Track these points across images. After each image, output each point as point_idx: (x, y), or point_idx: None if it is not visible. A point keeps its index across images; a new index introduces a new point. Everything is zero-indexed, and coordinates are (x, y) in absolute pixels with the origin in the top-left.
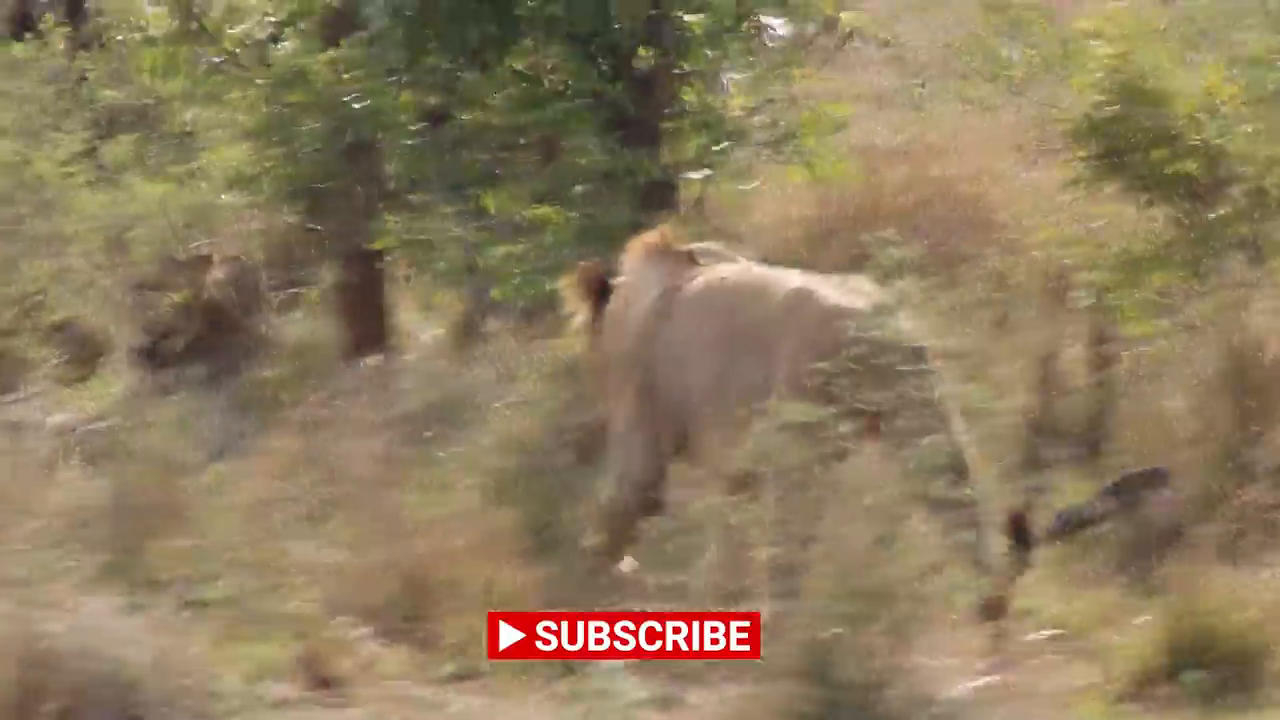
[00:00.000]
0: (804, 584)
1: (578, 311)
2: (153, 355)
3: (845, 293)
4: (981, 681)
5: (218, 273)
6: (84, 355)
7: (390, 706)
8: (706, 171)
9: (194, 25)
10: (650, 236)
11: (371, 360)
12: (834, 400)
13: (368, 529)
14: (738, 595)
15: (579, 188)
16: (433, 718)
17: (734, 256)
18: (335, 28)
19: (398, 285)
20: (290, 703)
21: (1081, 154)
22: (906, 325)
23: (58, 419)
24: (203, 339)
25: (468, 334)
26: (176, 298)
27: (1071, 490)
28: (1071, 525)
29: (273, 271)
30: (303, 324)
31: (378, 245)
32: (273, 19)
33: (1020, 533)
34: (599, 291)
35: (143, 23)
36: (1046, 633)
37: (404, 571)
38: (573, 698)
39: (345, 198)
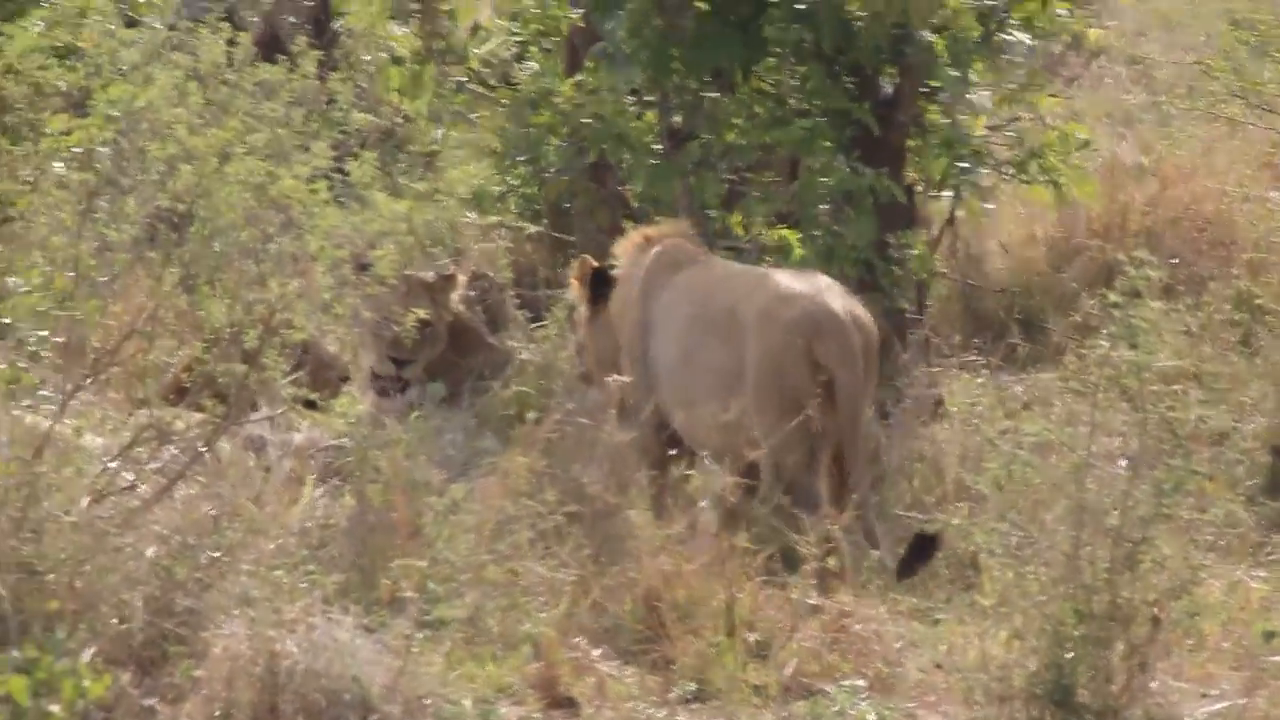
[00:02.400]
0: (1042, 605)
1: (578, 303)
2: (396, 374)
3: (801, 279)
4: (1223, 705)
5: (463, 291)
6: (326, 374)
7: None
8: (949, 192)
9: (439, 45)
10: (643, 231)
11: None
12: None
13: (604, 549)
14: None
15: (821, 207)
16: None
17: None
18: (579, 47)
19: None
20: None
21: None
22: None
23: (299, 438)
24: (446, 357)
25: None
26: (421, 316)
27: None
28: None
29: (518, 290)
30: (546, 343)
31: None
32: (517, 38)
33: (921, 550)
34: (595, 283)
35: (389, 43)
36: None
37: (639, 592)
38: (810, 719)
39: (589, 217)
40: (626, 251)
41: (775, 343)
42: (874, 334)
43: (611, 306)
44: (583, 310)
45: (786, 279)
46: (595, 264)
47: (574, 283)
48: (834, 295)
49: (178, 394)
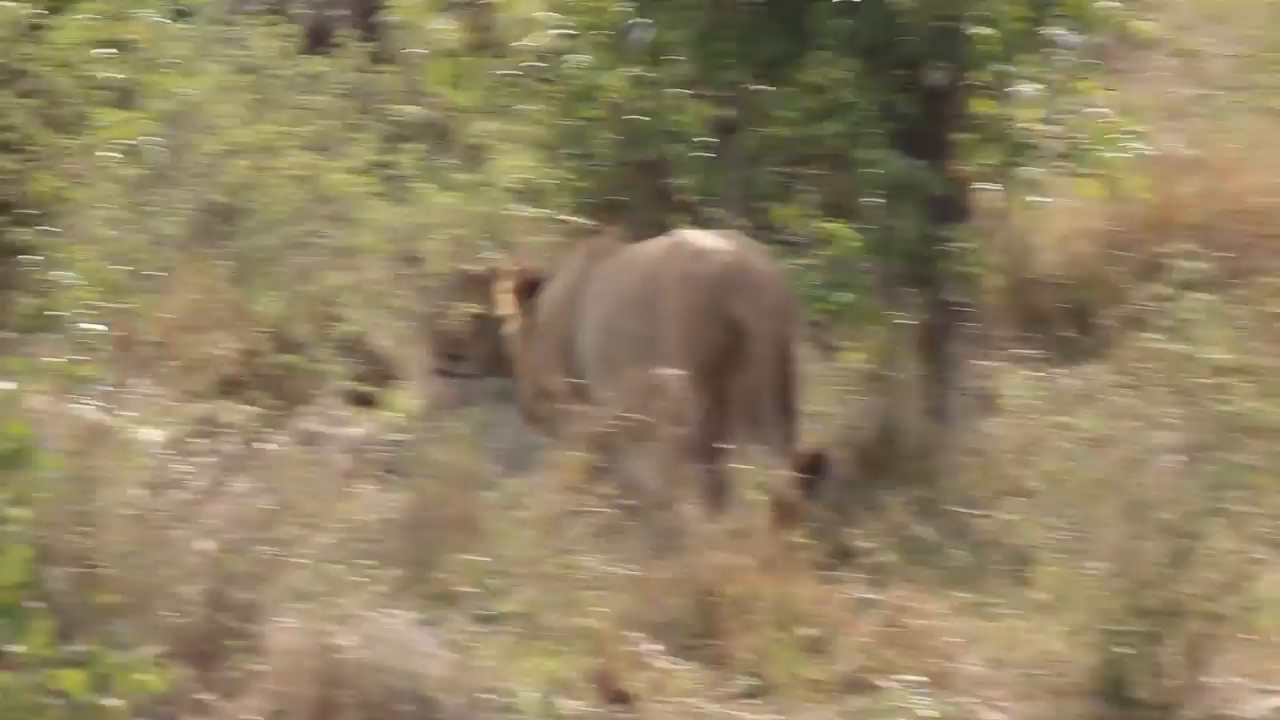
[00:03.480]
0: (1096, 600)
1: (513, 312)
2: (447, 369)
3: (717, 238)
4: None
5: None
6: (377, 368)
7: None
8: (996, 185)
9: (487, 37)
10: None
11: (670, 372)
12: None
13: (660, 544)
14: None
15: (868, 200)
16: None
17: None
18: (627, 40)
19: None
20: (584, 718)
21: None
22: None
23: (351, 433)
24: (498, 351)
25: None
26: (470, 310)
27: None
28: None
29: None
30: None
31: None
32: (566, 30)
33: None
34: (530, 291)
35: (435, 35)
36: None
37: (695, 587)
38: (866, 714)
39: (636, 210)
40: (558, 256)
41: (691, 301)
42: (787, 290)
43: (540, 313)
44: (516, 321)
45: (698, 238)
46: (532, 274)
47: (510, 294)
48: (748, 252)
49: (231, 387)
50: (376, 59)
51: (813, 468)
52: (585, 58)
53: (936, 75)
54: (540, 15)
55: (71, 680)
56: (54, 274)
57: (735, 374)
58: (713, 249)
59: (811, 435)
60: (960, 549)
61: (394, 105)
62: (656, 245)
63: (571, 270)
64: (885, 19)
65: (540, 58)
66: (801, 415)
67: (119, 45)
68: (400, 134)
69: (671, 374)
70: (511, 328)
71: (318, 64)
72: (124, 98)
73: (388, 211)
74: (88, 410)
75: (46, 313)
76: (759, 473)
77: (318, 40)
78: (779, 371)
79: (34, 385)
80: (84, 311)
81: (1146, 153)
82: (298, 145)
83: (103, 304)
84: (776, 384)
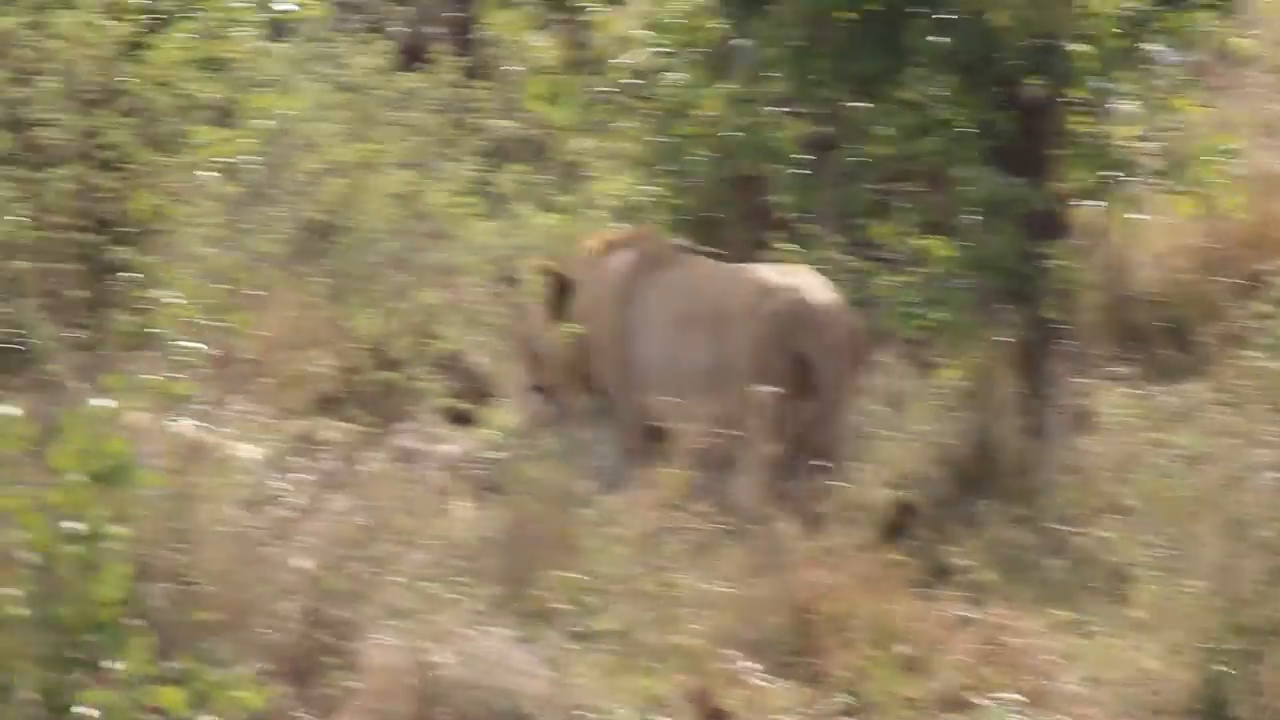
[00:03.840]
0: (1194, 619)
1: (546, 314)
2: (543, 387)
3: (783, 274)
4: None
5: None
6: (475, 386)
7: None
8: (1094, 201)
9: (583, 55)
10: (604, 236)
11: (765, 390)
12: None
13: (756, 561)
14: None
15: (965, 217)
16: None
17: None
18: (722, 58)
19: None
20: None
21: None
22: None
23: (448, 450)
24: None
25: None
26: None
27: None
28: None
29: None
30: None
31: None
32: (661, 48)
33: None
34: (562, 290)
35: (532, 53)
36: None
37: (792, 604)
38: None
39: (733, 228)
40: (588, 258)
41: (759, 334)
42: (856, 327)
43: (579, 312)
44: (545, 320)
45: (768, 273)
46: (564, 277)
47: (545, 294)
48: (816, 289)
49: (329, 404)
50: (473, 76)
51: (901, 516)
52: (681, 75)
53: (1034, 92)
54: (637, 33)
55: (170, 698)
56: (153, 292)
57: (802, 405)
58: (781, 284)
59: (909, 454)
60: (1058, 566)
61: (491, 123)
62: (723, 274)
63: (617, 277)
64: (984, 36)
65: (636, 75)
66: (846, 449)
67: (217, 64)
68: (497, 151)
69: (766, 392)
70: (537, 327)
71: (414, 81)
72: (222, 116)
73: (485, 229)
74: (186, 428)
75: (145, 330)
76: (860, 492)
77: (414, 57)
78: (839, 405)
79: (133, 403)
80: (182, 329)
81: (1244, 169)
82: (395, 163)
83: (201, 322)
84: (836, 416)
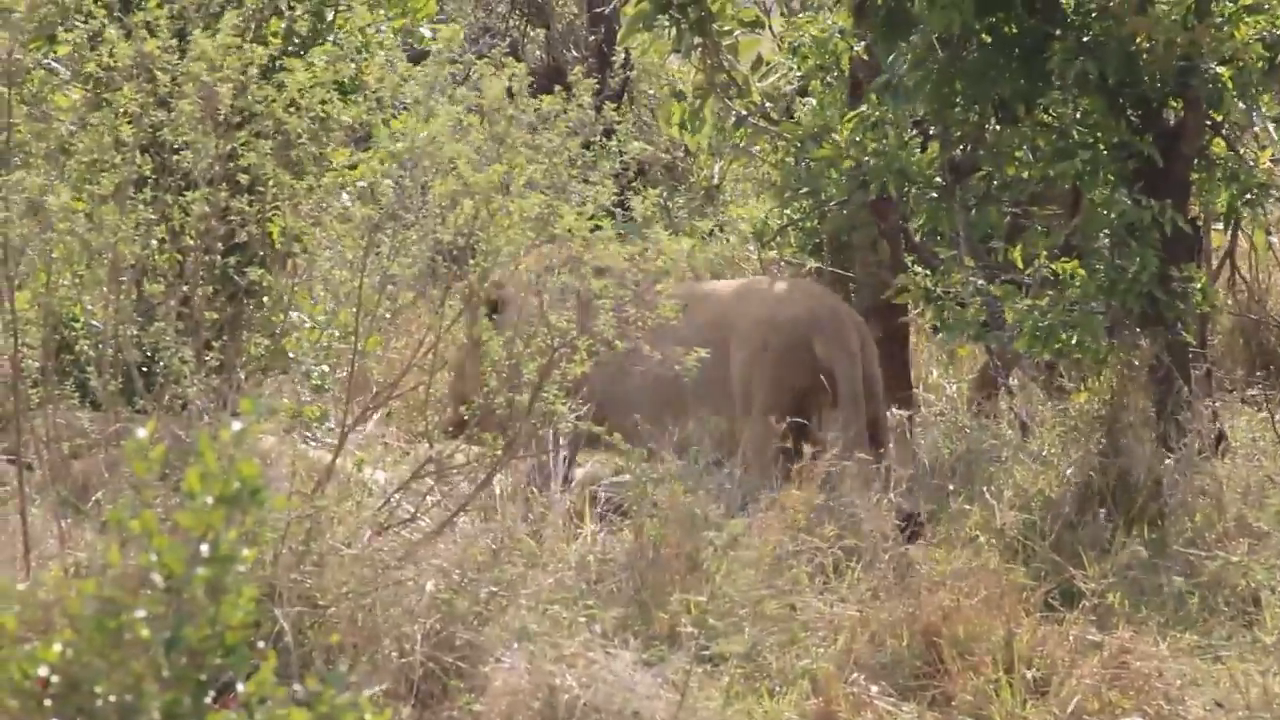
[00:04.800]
0: None
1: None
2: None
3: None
4: None
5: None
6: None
7: None
8: (1231, 225)
9: (721, 79)
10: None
11: (893, 413)
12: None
13: (883, 584)
14: None
15: (1103, 240)
16: None
17: None
18: (860, 81)
19: (922, 338)
20: None
21: None
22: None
23: (581, 472)
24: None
25: (990, 387)
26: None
27: None
28: None
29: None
30: None
31: (902, 299)
32: (798, 72)
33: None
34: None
35: (671, 76)
36: None
37: (918, 628)
38: None
39: (870, 251)
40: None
41: (777, 343)
42: (866, 330)
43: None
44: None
45: (771, 283)
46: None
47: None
48: (826, 295)
49: (458, 427)
50: (611, 99)
51: (905, 525)
52: (818, 99)
53: (1174, 114)
54: (773, 57)
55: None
56: (286, 315)
57: (826, 414)
58: (793, 293)
59: (1037, 477)
60: (1187, 590)
61: (626, 146)
62: (724, 289)
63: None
64: (1122, 58)
65: (772, 99)
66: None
67: (354, 87)
68: (633, 174)
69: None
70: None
71: (550, 103)
72: (357, 140)
73: (619, 253)
74: (316, 450)
75: (278, 353)
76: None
77: (552, 80)
78: (869, 409)
79: (264, 425)
80: (315, 352)
81: None
82: (529, 186)
83: (333, 345)
84: (870, 419)
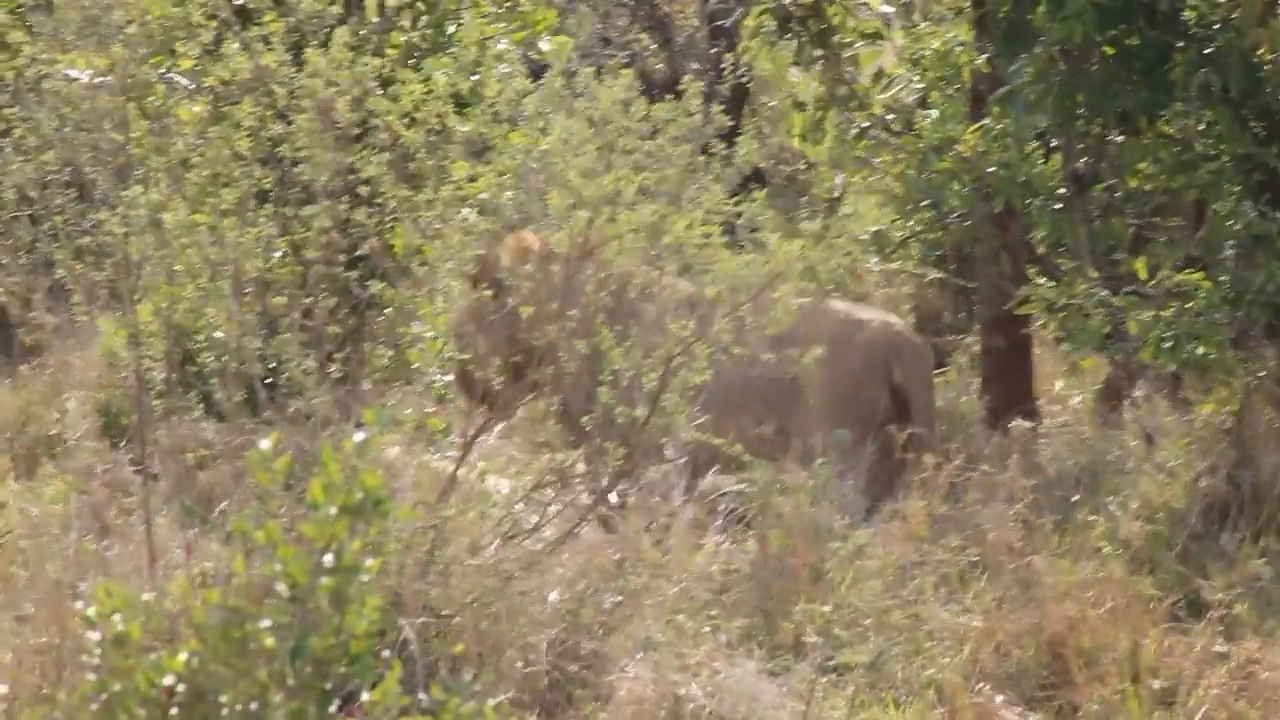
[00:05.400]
0: None
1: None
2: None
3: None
4: None
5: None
6: None
7: None
8: None
9: (842, 91)
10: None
11: (1016, 424)
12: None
13: (1007, 595)
14: None
15: (1228, 252)
16: None
17: None
18: (982, 93)
19: (1045, 349)
20: None
21: None
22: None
23: (702, 483)
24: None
25: (1114, 399)
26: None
27: None
28: None
29: (920, 336)
30: (950, 387)
31: (1025, 310)
32: (919, 84)
33: None
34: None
35: (791, 87)
36: None
37: (1043, 638)
38: None
39: (992, 263)
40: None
41: (853, 364)
42: (930, 354)
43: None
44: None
45: (842, 306)
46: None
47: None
48: (895, 320)
49: (579, 437)
50: (727, 109)
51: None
52: (940, 110)
53: None
54: (894, 70)
55: None
56: (408, 326)
57: (898, 431)
58: (867, 317)
59: (1163, 488)
60: None
61: (744, 155)
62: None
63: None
64: (1246, 70)
65: (893, 111)
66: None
67: (472, 100)
68: (750, 184)
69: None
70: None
71: (664, 112)
72: (476, 153)
73: (735, 261)
74: (439, 461)
75: (401, 365)
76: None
77: (667, 89)
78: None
79: (388, 436)
80: (437, 363)
81: None
82: (644, 195)
83: (457, 356)
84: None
